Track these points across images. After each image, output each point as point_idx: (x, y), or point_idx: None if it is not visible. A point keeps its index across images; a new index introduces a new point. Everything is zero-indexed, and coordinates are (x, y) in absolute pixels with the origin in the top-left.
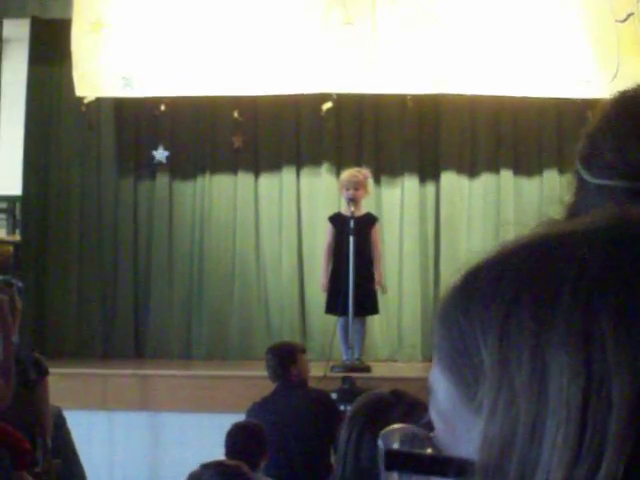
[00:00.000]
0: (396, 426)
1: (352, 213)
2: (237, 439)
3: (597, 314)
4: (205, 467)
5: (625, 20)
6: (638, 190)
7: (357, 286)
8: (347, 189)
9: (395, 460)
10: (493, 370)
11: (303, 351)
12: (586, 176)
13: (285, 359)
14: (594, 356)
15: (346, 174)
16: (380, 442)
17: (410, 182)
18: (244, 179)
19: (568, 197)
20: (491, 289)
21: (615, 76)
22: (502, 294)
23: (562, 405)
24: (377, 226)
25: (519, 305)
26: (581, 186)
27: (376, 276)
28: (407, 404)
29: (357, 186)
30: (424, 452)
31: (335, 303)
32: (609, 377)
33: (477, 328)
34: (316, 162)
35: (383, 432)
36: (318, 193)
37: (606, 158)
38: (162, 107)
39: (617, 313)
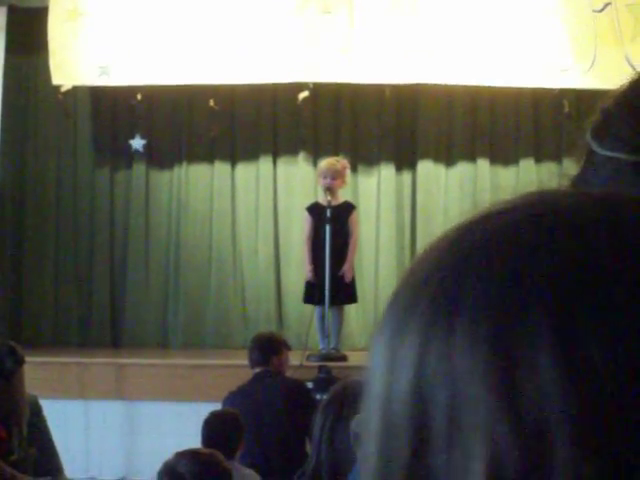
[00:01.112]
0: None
1: (329, 202)
2: (214, 427)
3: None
4: (179, 455)
5: (602, 10)
6: None
7: (335, 275)
8: (324, 177)
9: None
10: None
11: (288, 347)
12: (596, 148)
13: (268, 349)
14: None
15: (324, 163)
16: (353, 425)
17: (387, 171)
18: (221, 168)
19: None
20: (394, 297)
21: (592, 66)
22: (397, 303)
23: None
24: (355, 214)
25: (388, 313)
26: (589, 159)
27: (345, 267)
28: None
29: (335, 175)
30: None
31: (312, 293)
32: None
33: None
34: (293, 151)
35: (357, 416)
36: (295, 182)
37: (619, 131)
38: (139, 96)
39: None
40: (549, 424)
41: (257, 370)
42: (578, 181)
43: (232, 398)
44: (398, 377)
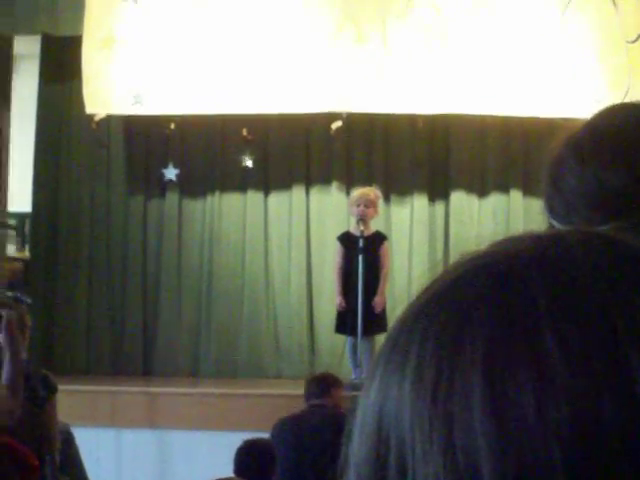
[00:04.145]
0: None
1: (361, 232)
2: (246, 456)
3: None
4: None
5: (635, 41)
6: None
7: (366, 305)
8: (358, 205)
9: None
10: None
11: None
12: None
13: (329, 382)
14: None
15: (358, 191)
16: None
17: (419, 201)
18: (254, 198)
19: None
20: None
21: (626, 96)
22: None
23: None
24: (386, 244)
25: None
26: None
27: (377, 298)
28: None
29: (368, 203)
30: None
31: (344, 323)
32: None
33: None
34: (326, 181)
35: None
36: (327, 212)
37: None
38: (172, 125)
39: (412, 383)
40: None
41: (313, 402)
42: None
43: (279, 425)
44: (366, 417)
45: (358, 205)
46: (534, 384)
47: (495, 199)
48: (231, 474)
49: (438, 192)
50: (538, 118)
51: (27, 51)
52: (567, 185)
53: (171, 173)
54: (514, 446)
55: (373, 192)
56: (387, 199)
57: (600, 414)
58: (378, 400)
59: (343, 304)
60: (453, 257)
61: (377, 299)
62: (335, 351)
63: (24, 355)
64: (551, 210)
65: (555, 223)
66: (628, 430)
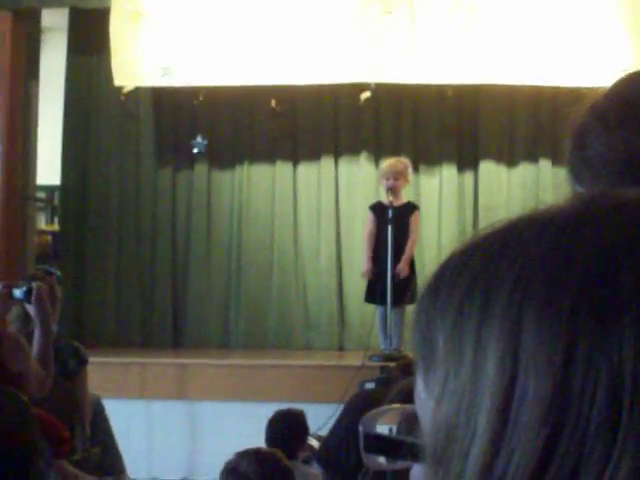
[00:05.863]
0: (378, 410)
1: (391, 203)
2: (278, 427)
3: (525, 313)
4: (241, 455)
5: None
6: None
7: (396, 275)
8: (387, 179)
9: (371, 443)
10: (444, 358)
11: None
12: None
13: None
14: (520, 353)
15: (386, 163)
16: (360, 426)
17: (448, 171)
18: (282, 169)
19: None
20: (453, 278)
21: None
22: (460, 283)
23: (489, 397)
24: (417, 214)
25: (471, 296)
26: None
27: (400, 264)
28: None
29: (397, 176)
30: (396, 437)
31: (374, 292)
32: (529, 374)
33: (438, 316)
34: (354, 152)
35: (365, 416)
36: (356, 183)
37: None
38: (200, 96)
39: (540, 312)
40: None
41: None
42: None
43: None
44: (529, 379)
45: (387, 179)
46: None
47: (524, 169)
48: (261, 445)
49: (467, 162)
50: (567, 87)
51: (55, 24)
52: (593, 152)
53: (200, 145)
54: None
55: (402, 163)
56: (416, 169)
57: None
58: (557, 358)
59: (370, 271)
60: (482, 227)
61: (401, 265)
62: (365, 322)
63: (54, 327)
64: (577, 178)
65: (581, 191)
66: None
